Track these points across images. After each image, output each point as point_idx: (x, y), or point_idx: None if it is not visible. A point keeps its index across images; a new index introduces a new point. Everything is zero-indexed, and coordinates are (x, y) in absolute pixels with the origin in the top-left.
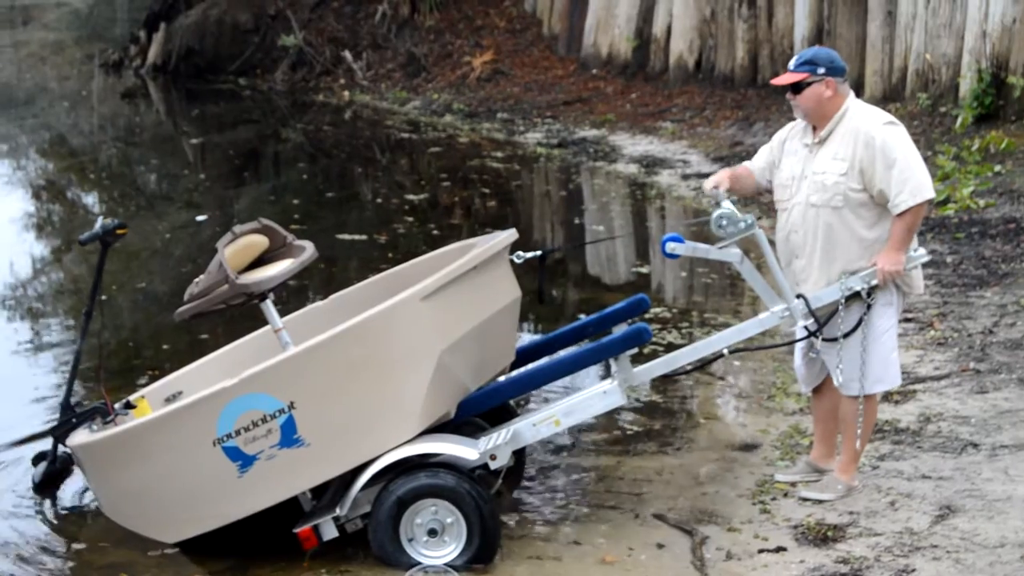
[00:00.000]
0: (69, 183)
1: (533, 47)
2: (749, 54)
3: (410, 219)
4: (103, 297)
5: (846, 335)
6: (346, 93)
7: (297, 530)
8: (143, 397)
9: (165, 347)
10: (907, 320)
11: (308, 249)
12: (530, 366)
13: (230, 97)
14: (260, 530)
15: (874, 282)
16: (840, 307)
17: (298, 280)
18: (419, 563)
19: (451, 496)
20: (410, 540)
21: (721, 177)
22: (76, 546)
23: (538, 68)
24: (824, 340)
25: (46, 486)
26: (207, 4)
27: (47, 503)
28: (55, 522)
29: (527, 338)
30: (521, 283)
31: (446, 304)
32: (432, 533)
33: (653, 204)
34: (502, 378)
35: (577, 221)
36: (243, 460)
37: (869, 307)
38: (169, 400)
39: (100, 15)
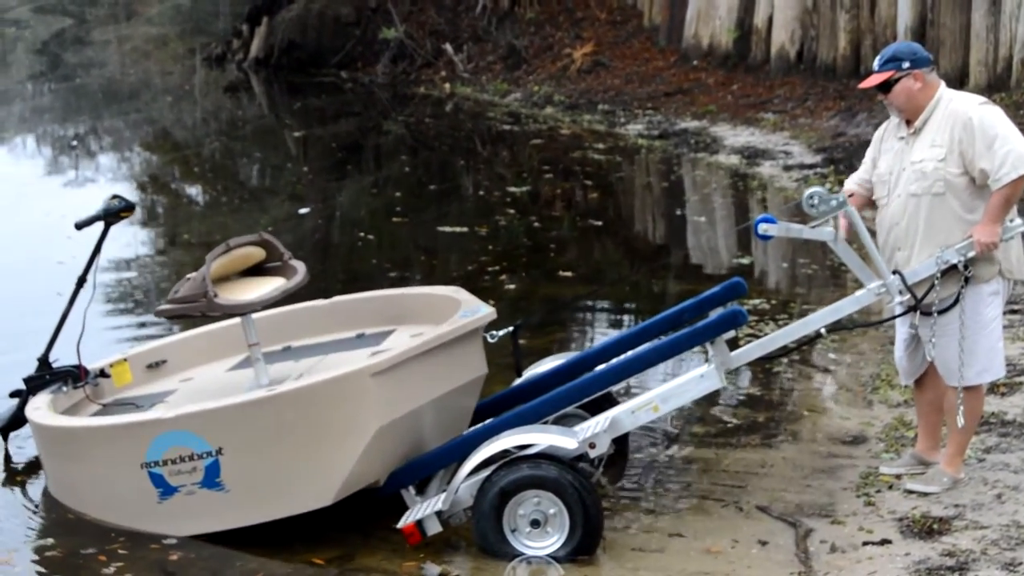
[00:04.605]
0: (173, 176)
1: (633, 39)
2: (851, 44)
3: (511, 211)
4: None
5: (942, 312)
6: (447, 85)
7: (401, 526)
8: (125, 360)
9: None
10: (1013, 311)
11: (300, 273)
12: (628, 353)
13: (332, 90)
14: (368, 521)
15: (971, 254)
16: (936, 281)
17: (398, 272)
18: (522, 554)
19: (554, 487)
20: (513, 531)
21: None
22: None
23: (639, 60)
24: (923, 314)
25: (8, 428)
26: None
27: None
28: None
29: (625, 327)
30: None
31: (397, 381)
32: (535, 524)
33: (754, 195)
34: (601, 366)
35: (679, 212)
36: (164, 488)
37: (967, 280)
38: (151, 367)
39: (202, 10)
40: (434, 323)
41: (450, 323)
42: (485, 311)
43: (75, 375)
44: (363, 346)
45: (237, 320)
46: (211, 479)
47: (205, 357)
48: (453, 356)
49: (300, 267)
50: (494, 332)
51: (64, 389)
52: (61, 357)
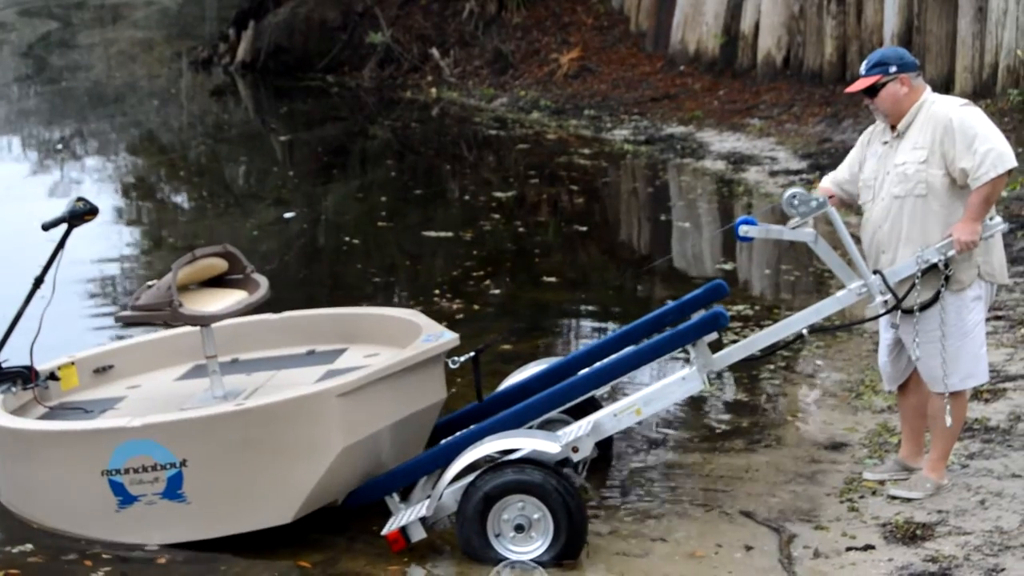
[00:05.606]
0: (158, 179)
1: (620, 44)
2: (838, 51)
3: (496, 216)
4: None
5: (923, 308)
6: (433, 90)
7: (385, 533)
8: (73, 363)
9: None
10: (997, 318)
11: (262, 288)
12: (610, 357)
13: (318, 94)
14: (352, 526)
15: (951, 253)
16: (916, 281)
17: (383, 277)
18: (506, 559)
19: (538, 492)
20: (497, 536)
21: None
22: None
23: (625, 65)
24: (904, 312)
25: None
26: (296, 2)
27: None
28: None
29: (609, 332)
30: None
31: (362, 402)
32: (519, 529)
33: (740, 201)
34: (585, 370)
35: (664, 218)
36: (124, 497)
37: (947, 279)
38: (98, 372)
39: (189, 13)
40: (388, 345)
41: (414, 347)
42: (448, 336)
43: (26, 376)
44: (314, 363)
45: (187, 329)
46: (173, 490)
47: (152, 364)
48: (416, 380)
49: (263, 281)
50: (456, 358)
51: (13, 390)
52: (11, 358)
